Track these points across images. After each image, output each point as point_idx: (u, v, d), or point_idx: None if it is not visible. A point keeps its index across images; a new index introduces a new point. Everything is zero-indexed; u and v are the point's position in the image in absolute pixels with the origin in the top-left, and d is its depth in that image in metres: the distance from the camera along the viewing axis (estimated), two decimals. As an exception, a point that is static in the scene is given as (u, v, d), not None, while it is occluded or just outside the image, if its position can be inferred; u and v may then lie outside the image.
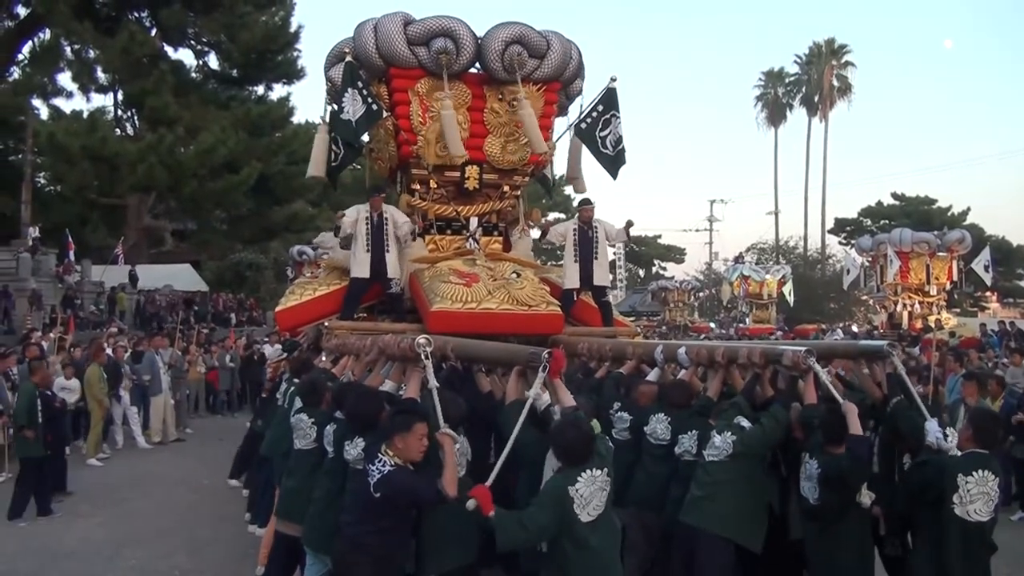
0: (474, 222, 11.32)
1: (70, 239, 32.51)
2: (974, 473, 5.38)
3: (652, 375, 7.56)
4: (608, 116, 10.94)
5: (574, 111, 11.63)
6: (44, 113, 38.23)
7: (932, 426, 5.84)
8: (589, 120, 10.98)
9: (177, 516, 11.27)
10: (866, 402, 6.58)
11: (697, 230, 73.70)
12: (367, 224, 10.18)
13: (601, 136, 10.92)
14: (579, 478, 5.03)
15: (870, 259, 33.99)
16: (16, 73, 36.87)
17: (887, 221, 55.89)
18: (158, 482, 13.43)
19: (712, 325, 45.15)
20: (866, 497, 5.62)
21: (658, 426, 6.93)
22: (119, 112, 40.73)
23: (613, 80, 11.04)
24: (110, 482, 13.34)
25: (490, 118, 10.93)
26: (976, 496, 5.36)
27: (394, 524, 5.33)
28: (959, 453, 5.58)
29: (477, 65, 10.80)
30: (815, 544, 6.01)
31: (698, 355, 7.20)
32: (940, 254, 31.23)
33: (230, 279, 45.17)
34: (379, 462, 5.23)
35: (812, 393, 6.14)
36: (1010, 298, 59.00)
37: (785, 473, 6.61)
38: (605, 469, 5.13)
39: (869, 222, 60.80)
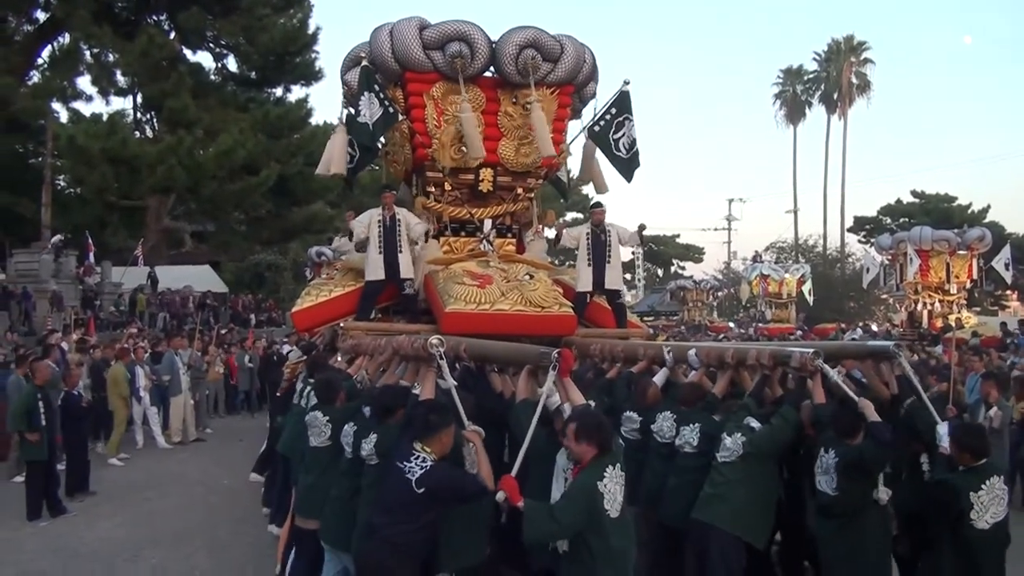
0: (488, 224, 11.38)
1: (90, 241, 32.73)
2: (983, 486, 5.54)
3: (659, 376, 7.64)
4: (621, 119, 11.03)
5: (588, 114, 11.72)
6: (64, 116, 38.43)
7: (944, 430, 5.93)
8: (603, 123, 11.07)
9: (197, 516, 11.39)
10: (875, 402, 6.66)
11: (716, 229, 73.56)
12: (379, 227, 10.29)
13: (615, 139, 11.00)
14: (605, 473, 5.10)
15: (890, 257, 33.85)
16: (36, 77, 37.09)
17: (907, 219, 55.56)
18: (178, 482, 13.56)
19: (731, 325, 44.96)
20: (883, 493, 5.71)
21: (664, 424, 7.04)
22: (138, 115, 40.99)
23: (626, 83, 11.13)
24: (130, 482, 13.47)
25: (504, 121, 11.00)
26: (990, 504, 5.53)
27: (431, 521, 5.41)
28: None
29: (491, 69, 10.89)
30: (832, 541, 6.03)
31: (708, 356, 7.30)
32: (960, 252, 31.03)
33: (249, 280, 45.39)
34: (416, 458, 5.32)
35: (820, 393, 6.23)
36: (1030, 296, 58.60)
37: (787, 475, 6.69)
38: (618, 465, 5.20)
39: (889, 220, 60.38)
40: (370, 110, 10.30)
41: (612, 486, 5.10)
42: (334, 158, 11.20)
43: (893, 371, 6.86)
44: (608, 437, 5.23)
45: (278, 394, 11.51)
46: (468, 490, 5.36)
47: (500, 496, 5.04)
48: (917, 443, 6.52)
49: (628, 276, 67.24)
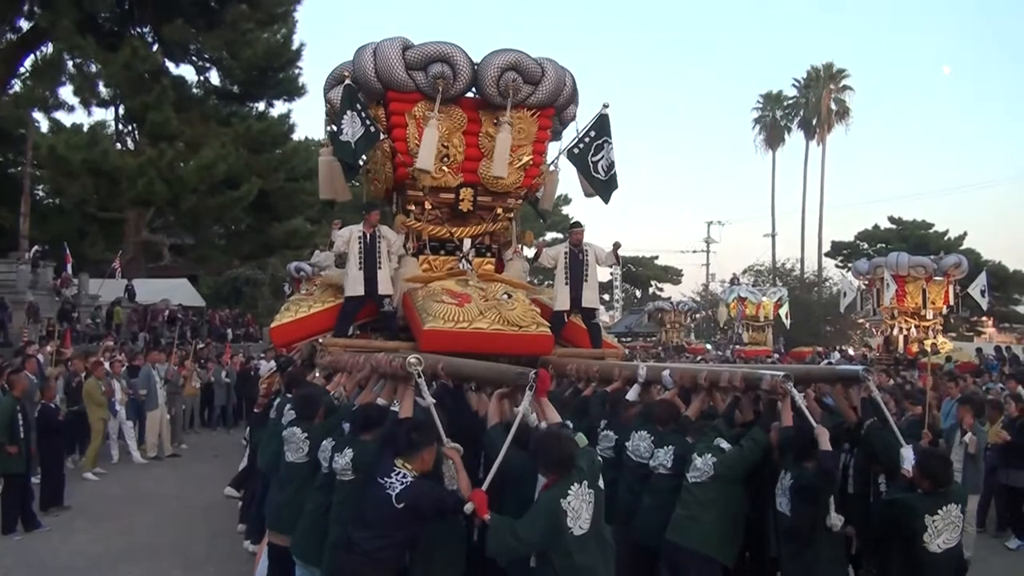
0: (467, 243, 11.52)
1: (68, 252, 32.56)
2: (939, 511, 5.66)
3: (632, 392, 7.71)
4: (600, 142, 11.20)
5: (568, 136, 11.87)
6: (45, 126, 38.32)
7: (908, 454, 6.04)
8: (582, 145, 11.22)
9: (172, 532, 11.36)
10: (843, 425, 6.79)
11: (694, 251, 73.58)
12: (360, 243, 10.37)
13: (593, 161, 11.17)
14: (569, 491, 5.13)
15: (867, 282, 33.95)
16: (18, 86, 36.95)
17: (884, 245, 55.87)
18: (153, 497, 13.50)
19: (708, 346, 45.11)
20: (836, 519, 5.79)
21: (640, 444, 7.12)
22: (120, 126, 40.76)
23: (606, 107, 11.29)
24: (106, 497, 13.40)
25: (485, 142, 11.12)
26: (943, 529, 5.65)
27: (407, 537, 5.48)
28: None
29: (473, 90, 11.01)
30: (792, 561, 6.16)
31: (682, 377, 7.39)
32: (936, 278, 31.14)
33: (227, 294, 45.23)
34: (397, 474, 5.39)
35: (788, 415, 6.29)
36: (1006, 323, 58.96)
37: (753, 494, 6.77)
38: (585, 482, 5.24)
39: (866, 245, 60.67)
40: (352, 128, 10.40)
41: (577, 504, 5.14)
42: (337, 184, 11.36)
43: (861, 395, 6.97)
44: (562, 456, 5.25)
45: (256, 410, 11.51)
46: (447, 505, 5.41)
47: (468, 507, 5.11)
48: (875, 465, 6.64)
49: (606, 297, 67.54)
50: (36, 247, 32.35)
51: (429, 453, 5.56)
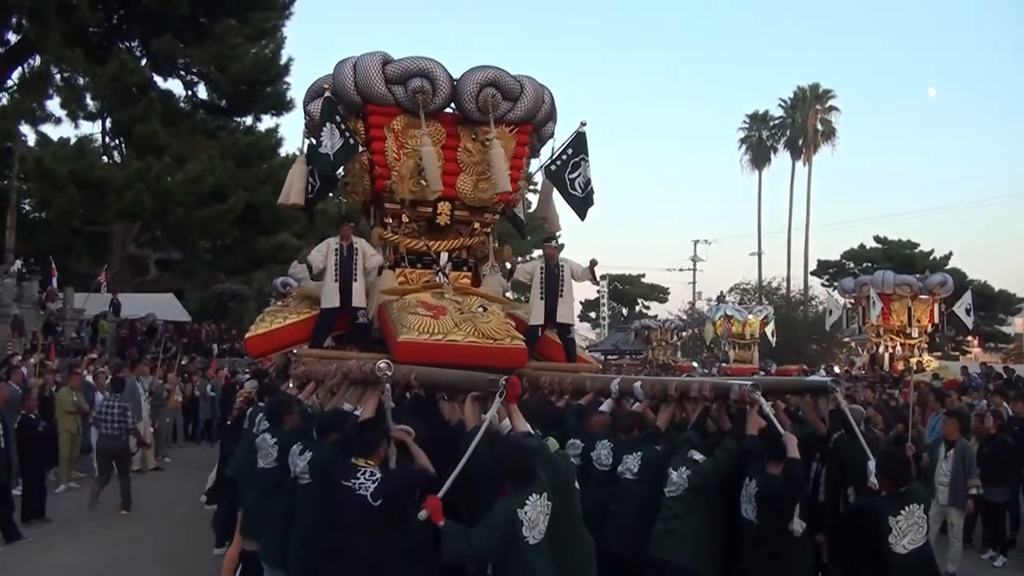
0: (444, 257, 11.59)
1: (53, 266, 32.47)
2: (902, 511, 5.72)
3: (605, 406, 7.79)
4: (577, 159, 11.31)
5: (547, 153, 11.98)
6: (32, 139, 38.24)
7: (872, 466, 6.09)
8: (559, 163, 11.31)
9: (156, 544, 11.31)
10: (812, 435, 6.86)
11: (681, 269, 73.59)
12: (336, 255, 10.43)
13: (570, 178, 11.27)
14: (527, 501, 5.17)
15: (852, 301, 34.11)
16: (5, 98, 36.90)
17: (869, 264, 55.93)
18: (137, 510, 13.40)
19: (695, 364, 45.14)
20: (797, 525, 5.85)
21: (602, 452, 7.19)
22: (107, 139, 40.69)
23: (583, 125, 11.42)
24: (89, 509, 13.32)
25: (463, 157, 11.24)
26: (907, 529, 5.69)
27: (390, 532, 5.49)
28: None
29: (452, 105, 11.11)
30: (759, 569, 6.19)
31: (653, 389, 7.46)
32: (922, 297, 31.32)
33: (213, 309, 45.08)
34: (363, 474, 5.45)
35: (755, 424, 6.35)
36: (991, 342, 59.18)
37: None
38: (545, 494, 5.27)
39: (851, 264, 60.73)
40: (331, 140, 10.50)
41: (534, 514, 5.17)
42: (294, 188, 11.33)
43: (829, 406, 7.02)
44: (522, 467, 5.30)
45: (229, 422, 11.51)
46: (415, 482, 5.55)
47: (423, 515, 5.13)
48: (843, 476, 6.69)
49: (593, 315, 67.62)
50: (21, 260, 32.24)
51: (383, 447, 5.68)
